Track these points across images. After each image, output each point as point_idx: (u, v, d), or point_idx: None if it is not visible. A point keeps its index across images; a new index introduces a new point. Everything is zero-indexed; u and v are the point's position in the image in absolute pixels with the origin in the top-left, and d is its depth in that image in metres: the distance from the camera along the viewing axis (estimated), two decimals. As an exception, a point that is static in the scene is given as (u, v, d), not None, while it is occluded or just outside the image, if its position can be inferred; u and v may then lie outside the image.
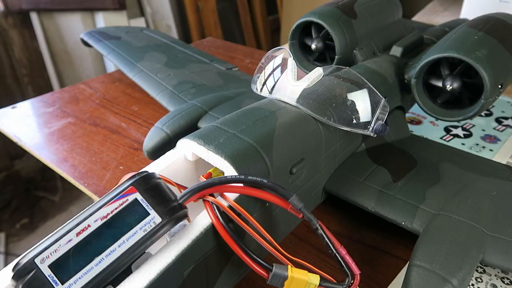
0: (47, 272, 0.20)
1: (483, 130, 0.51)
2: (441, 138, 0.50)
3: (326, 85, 0.33)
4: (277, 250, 0.24)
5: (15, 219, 1.29)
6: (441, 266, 0.26)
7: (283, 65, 0.35)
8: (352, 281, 0.24)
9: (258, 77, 0.36)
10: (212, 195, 0.25)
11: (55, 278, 0.20)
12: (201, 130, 0.29)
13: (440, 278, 0.26)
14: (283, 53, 0.35)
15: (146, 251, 0.22)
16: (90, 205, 0.22)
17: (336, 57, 0.44)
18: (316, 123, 0.32)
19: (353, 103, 0.32)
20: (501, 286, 0.31)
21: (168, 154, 0.30)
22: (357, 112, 0.32)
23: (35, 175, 1.39)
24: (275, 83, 0.34)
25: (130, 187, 0.23)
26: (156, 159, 0.29)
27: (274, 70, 0.35)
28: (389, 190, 0.34)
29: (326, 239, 0.25)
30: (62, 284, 0.20)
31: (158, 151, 0.40)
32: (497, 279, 0.32)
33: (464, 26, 0.40)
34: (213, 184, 0.24)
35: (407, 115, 0.53)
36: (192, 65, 0.58)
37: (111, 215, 0.22)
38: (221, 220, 0.23)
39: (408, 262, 0.28)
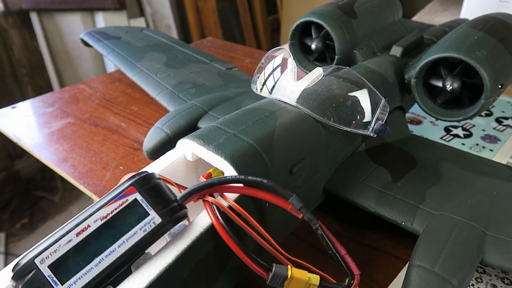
0: (47, 272, 0.20)
1: (483, 130, 0.51)
2: (441, 138, 0.50)
3: (326, 85, 0.33)
4: (277, 251, 0.24)
5: (15, 219, 1.29)
6: (441, 266, 0.26)
7: (283, 65, 0.35)
8: (352, 281, 0.24)
9: (258, 77, 0.36)
10: (212, 195, 0.25)
11: (54, 279, 0.20)
12: (201, 130, 0.29)
13: (440, 278, 0.26)
14: (283, 53, 0.35)
15: (146, 251, 0.22)
16: (90, 205, 0.22)
17: (336, 57, 0.43)
18: (316, 123, 0.32)
19: (353, 103, 0.32)
20: (501, 286, 0.31)
21: (168, 154, 0.30)
22: (357, 112, 0.32)
23: (35, 175, 1.39)
24: (275, 83, 0.34)
25: (130, 187, 0.23)
26: (156, 159, 0.29)
27: (274, 70, 0.35)
28: (389, 190, 0.34)
29: (326, 239, 0.25)
30: (62, 284, 0.20)
31: (158, 151, 0.40)
32: (497, 279, 0.32)
33: (464, 26, 0.40)
34: (213, 184, 0.24)
35: (407, 115, 0.53)
36: (192, 65, 0.58)
37: (111, 215, 0.22)
38: (221, 221, 0.23)
39: (408, 262, 0.28)
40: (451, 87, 0.38)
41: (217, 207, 0.24)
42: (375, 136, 0.32)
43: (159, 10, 1.53)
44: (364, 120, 0.32)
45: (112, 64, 1.09)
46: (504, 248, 0.28)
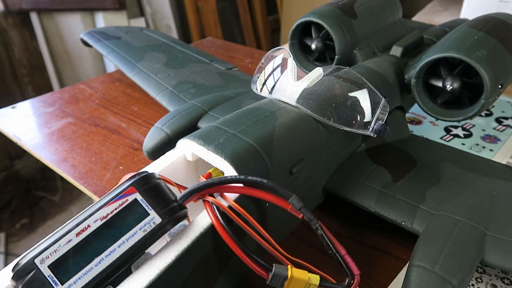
0: (47, 272, 0.20)
1: (483, 130, 0.51)
2: (441, 138, 0.50)
3: (326, 85, 0.33)
4: (277, 251, 0.24)
5: (15, 219, 1.29)
6: (441, 266, 0.26)
7: (283, 65, 0.35)
8: (352, 281, 0.24)
9: (258, 77, 0.36)
10: (212, 195, 0.25)
11: (54, 279, 0.20)
12: (201, 130, 0.29)
13: (440, 278, 0.26)
14: (283, 53, 0.35)
15: (146, 251, 0.22)
16: (90, 205, 0.22)
17: (336, 57, 0.43)
18: (316, 123, 0.32)
19: (353, 103, 0.32)
20: (501, 286, 0.31)
21: (168, 154, 0.30)
22: (357, 112, 0.32)
23: (35, 175, 1.39)
24: (275, 83, 0.34)
25: (130, 187, 0.23)
26: (156, 159, 0.29)
27: (274, 70, 0.35)
28: (389, 190, 0.34)
29: (326, 239, 0.25)
30: (62, 284, 0.20)
31: (158, 151, 0.40)
32: (497, 279, 0.32)
33: (464, 26, 0.40)
34: (213, 184, 0.24)
35: (407, 115, 0.53)
36: (192, 65, 0.58)
37: (111, 215, 0.22)
38: (220, 221, 0.23)
39: (408, 262, 0.28)
40: (451, 87, 0.38)
41: (217, 207, 0.24)
42: (375, 136, 0.32)
43: (159, 10, 1.53)
44: (364, 120, 0.32)
45: (112, 64, 1.09)
46: (504, 248, 0.28)
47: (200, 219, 0.24)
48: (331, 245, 0.25)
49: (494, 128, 0.51)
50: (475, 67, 0.35)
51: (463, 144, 0.48)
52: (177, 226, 0.23)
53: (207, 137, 0.28)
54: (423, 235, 0.29)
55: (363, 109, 0.32)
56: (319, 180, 0.34)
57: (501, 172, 0.36)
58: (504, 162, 0.42)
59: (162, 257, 0.22)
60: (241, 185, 0.25)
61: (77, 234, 0.21)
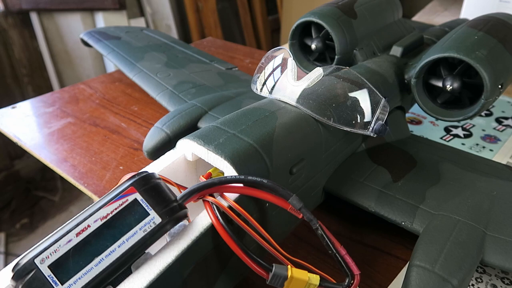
0: (47, 272, 0.20)
1: (483, 130, 0.51)
2: (441, 138, 0.50)
3: (326, 85, 0.33)
4: (277, 251, 0.24)
5: (15, 219, 1.29)
6: (441, 266, 0.26)
7: (283, 65, 0.35)
8: (352, 281, 0.24)
9: (258, 77, 0.36)
10: (212, 195, 0.25)
11: (54, 279, 0.20)
12: (201, 130, 0.29)
13: (440, 278, 0.26)
14: (283, 53, 0.35)
15: (146, 251, 0.22)
16: (90, 205, 0.22)
17: (336, 57, 0.43)
18: (316, 123, 0.32)
19: (353, 103, 0.32)
20: (501, 286, 0.31)
21: (168, 154, 0.30)
22: (357, 112, 0.32)
23: (35, 175, 1.39)
24: (275, 83, 0.34)
25: (130, 187, 0.23)
26: (156, 159, 0.29)
27: (274, 70, 0.35)
28: (389, 190, 0.34)
29: (326, 239, 0.25)
30: (62, 284, 0.20)
31: (158, 151, 0.40)
32: (497, 279, 0.32)
33: (464, 26, 0.40)
34: (213, 184, 0.24)
35: (407, 115, 0.53)
36: (192, 65, 0.58)
37: (111, 215, 0.22)
38: (221, 221, 0.23)
39: (408, 262, 0.28)
40: (451, 87, 0.38)
41: (217, 207, 0.24)
42: (375, 136, 0.32)
43: (159, 10, 1.53)
44: (364, 120, 0.32)
45: (112, 64, 1.09)
46: (504, 248, 0.28)
47: (200, 219, 0.24)
48: (331, 245, 0.25)
49: (494, 128, 0.51)
50: (475, 67, 0.35)
51: (463, 144, 0.48)
52: (177, 226, 0.23)
53: (207, 137, 0.28)
54: (423, 235, 0.29)
55: (363, 109, 0.32)
56: (319, 180, 0.34)
57: (501, 172, 0.36)
58: (504, 162, 0.42)
59: (162, 257, 0.22)
60: (241, 185, 0.25)
61: (77, 234, 0.21)
